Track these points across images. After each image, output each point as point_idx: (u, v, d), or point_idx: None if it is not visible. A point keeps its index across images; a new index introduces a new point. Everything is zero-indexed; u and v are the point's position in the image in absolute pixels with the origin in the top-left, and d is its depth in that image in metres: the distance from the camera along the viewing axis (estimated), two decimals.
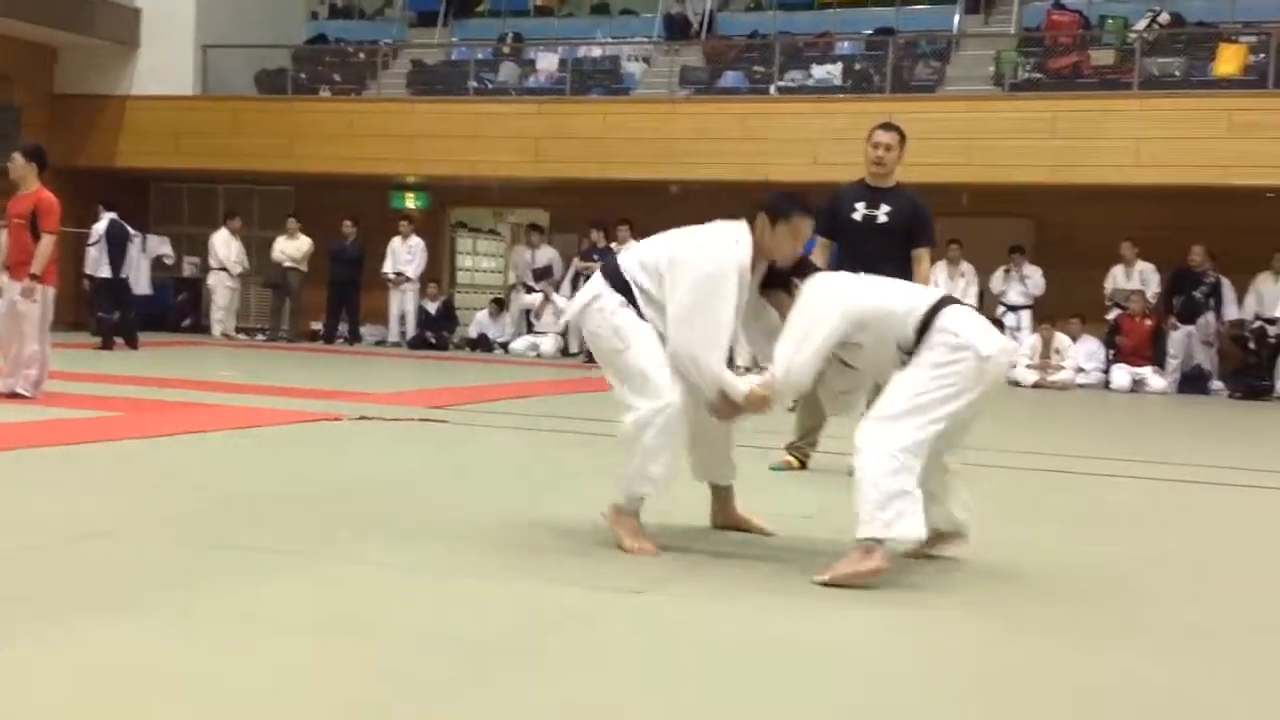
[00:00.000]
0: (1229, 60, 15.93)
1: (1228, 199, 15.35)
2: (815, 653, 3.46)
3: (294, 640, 3.33)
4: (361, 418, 8.50)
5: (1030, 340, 15.50)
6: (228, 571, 4.05)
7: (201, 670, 3.04)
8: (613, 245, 15.92)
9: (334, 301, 18.29)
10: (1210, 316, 15.07)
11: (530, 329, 17.74)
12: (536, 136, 17.40)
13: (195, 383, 10.93)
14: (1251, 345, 14.71)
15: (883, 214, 6.78)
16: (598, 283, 4.69)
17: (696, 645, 3.48)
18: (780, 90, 17.53)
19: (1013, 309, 16.07)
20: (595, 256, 15.85)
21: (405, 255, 18.19)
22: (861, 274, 4.70)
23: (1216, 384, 15.09)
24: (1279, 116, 14.86)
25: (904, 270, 6.79)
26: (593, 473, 5.88)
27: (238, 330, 18.42)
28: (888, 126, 6.91)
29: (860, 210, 6.82)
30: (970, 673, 3.40)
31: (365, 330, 18.48)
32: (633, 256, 4.72)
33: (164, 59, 18.92)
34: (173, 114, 18.76)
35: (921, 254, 6.83)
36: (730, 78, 18.07)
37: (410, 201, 19.28)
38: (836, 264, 7.05)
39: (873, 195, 6.86)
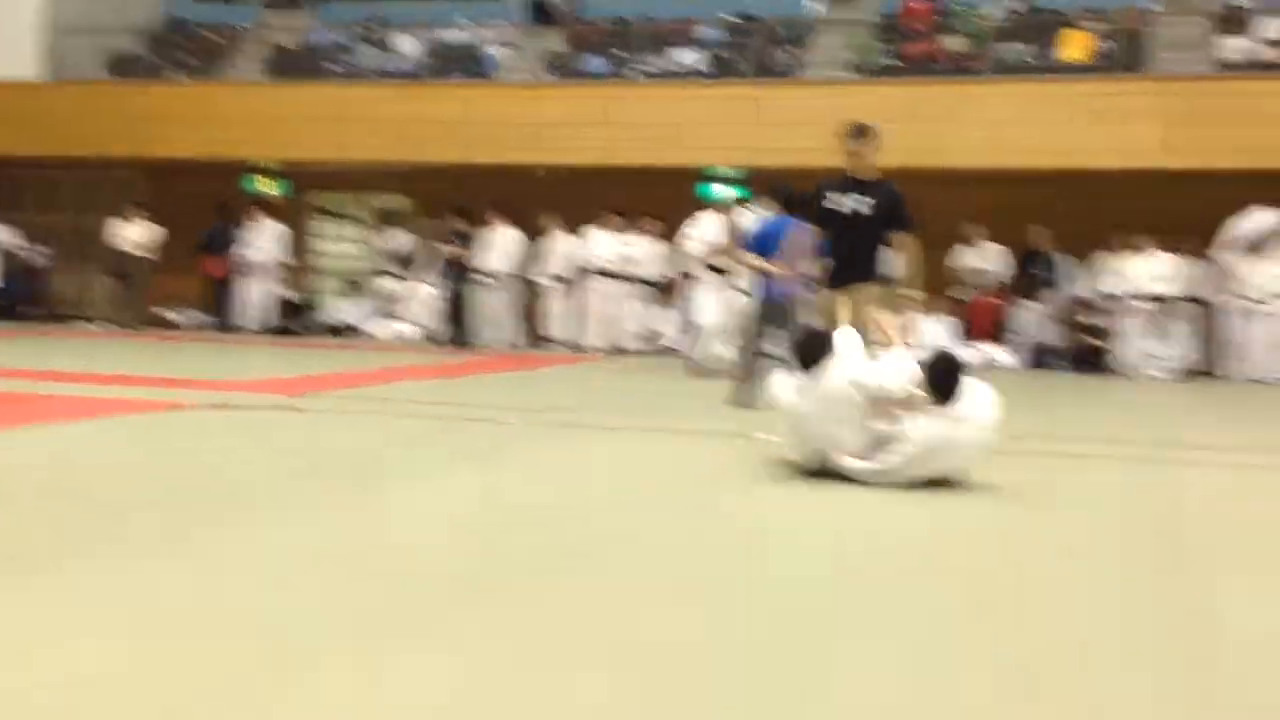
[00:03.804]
0: (1073, 46, 16.33)
1: (1079, 181, 15.72)
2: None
3: (113, 639, 3.22)
4: (211, 406, 8.25)
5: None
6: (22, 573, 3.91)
7: None
8: (479, 230, 15.85)
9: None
10: (1054, 294, 15.55)
11: (391, 314, 17.54)
12: (399, 120, 17.18)
13: (34, 373, 10.52)
14: (1090, 320, 15.31)
15: (866, 206, 7.41)
16: None
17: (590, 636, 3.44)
18: (644, 75, 17.54)
19: None
20: (458, 241, 15.73)
21: (260, 241, 17.84)
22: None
23: (1061, 359, 15.59)
24: (1128, 100, 15.26)
25: (880, 256, 7.55)
26: (447, 459, 5.81)
27: (79, 318, 17.81)
28: (855, 134, 7.46)
29: (842, 202, 7.44)
30: None
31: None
32: None
33: (9, 43, 18.29)
34: (19, 100, 18.15)
35: (903, 238, 7.51)
36: (593, 63, 18.05)
37: (267, 186, 18.90)
38: (825, 250, 7.66)
39: (855, 187, 7.48)
